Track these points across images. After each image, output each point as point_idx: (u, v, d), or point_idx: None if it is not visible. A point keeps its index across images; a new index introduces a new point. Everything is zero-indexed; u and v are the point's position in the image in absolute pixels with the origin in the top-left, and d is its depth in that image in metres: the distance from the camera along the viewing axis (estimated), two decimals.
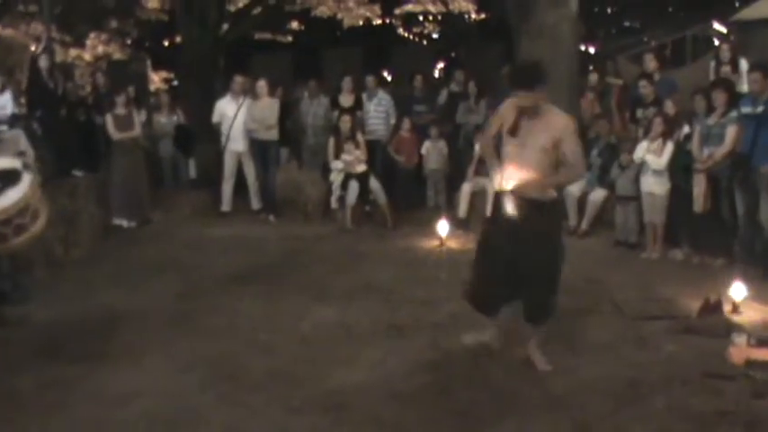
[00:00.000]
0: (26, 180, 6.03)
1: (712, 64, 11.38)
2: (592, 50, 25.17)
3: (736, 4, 18.23)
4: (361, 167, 11.64)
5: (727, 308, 7.23)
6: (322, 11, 23.37)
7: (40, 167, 7.95)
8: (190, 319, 7.38)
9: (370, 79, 13.03)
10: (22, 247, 6.31)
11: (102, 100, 13.31)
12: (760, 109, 8.45)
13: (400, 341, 6.71)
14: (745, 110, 8.67)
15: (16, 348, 6.68)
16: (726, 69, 10.64)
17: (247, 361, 6.32)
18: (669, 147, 9.42)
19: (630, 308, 7.46)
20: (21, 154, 8.06)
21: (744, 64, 10.52)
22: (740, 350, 6.21)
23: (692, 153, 9.20)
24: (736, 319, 7.08)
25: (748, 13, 11.88)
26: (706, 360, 6.13)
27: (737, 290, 7.33)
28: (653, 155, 9.47)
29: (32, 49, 19.19)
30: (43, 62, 12.18)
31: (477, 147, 11.08)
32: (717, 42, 18.28)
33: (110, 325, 7.22)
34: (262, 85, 12.24)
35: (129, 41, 22.57)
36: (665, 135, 9.49)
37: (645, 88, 10.68)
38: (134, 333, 7.01)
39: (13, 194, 5.89)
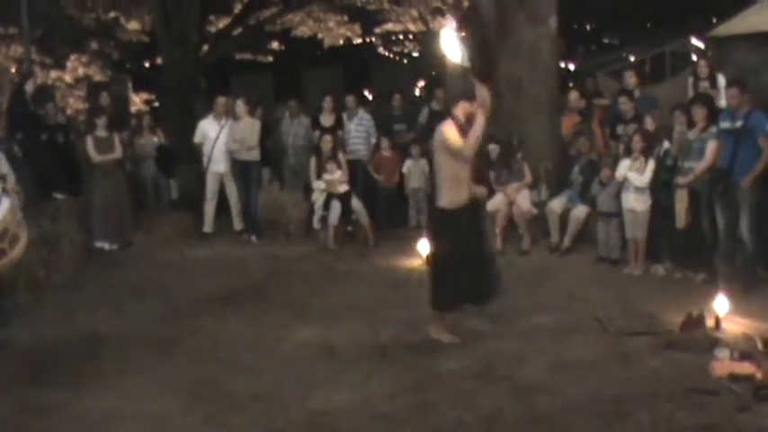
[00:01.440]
0: (5, 204, 6.00)
1: (690, 80, 11.44)
2: (571, 67, 25.29)
3: (713, 20, 18.34)
4: (343, 187, 11.63)
5: (709, 322, 7.24)
6: (302, 30, 23.37)
7: (21, 191, 7.90)
8: (172, 341, 7.35)
9: (350, 99, 13.01)
10: (0, 272, 6.28)
11: (77, 123, 13.25)
12: (739, 124, 8.50)
13: (383, 361, 6.70)
14: (724, 125, 8.72)
15: None
16: (704, 85, 10.70)
17: (230, 382, 6.30)
18: (651, 164, 9.45)
19: (613, 324, 7.47)
20: (1, 177, 8.01)
21: (721, 79, 10.58)
22: (723, 364, 6.22)
23: (671, 169, 9.24)
24: (718, 333, 7.10)
25: (725, 29, 11.94)
26: (689, 375, 6.15)
27: (719, 304, 7.35)
28: (635, 173, 9.51)
29: (12, 71, 19.18)
30: (30, 87, 12.14)
31: None
32: (695, 58, 18.41)
33: (92, 348, 7.20)
34: (239, 104, 12.20)
35: (109, 63, 22.49)
36: (646, 152, 9.53)
37: (625, 104, 10.71)
38: (116, 356, 6.99)
39: None
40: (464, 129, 6.84)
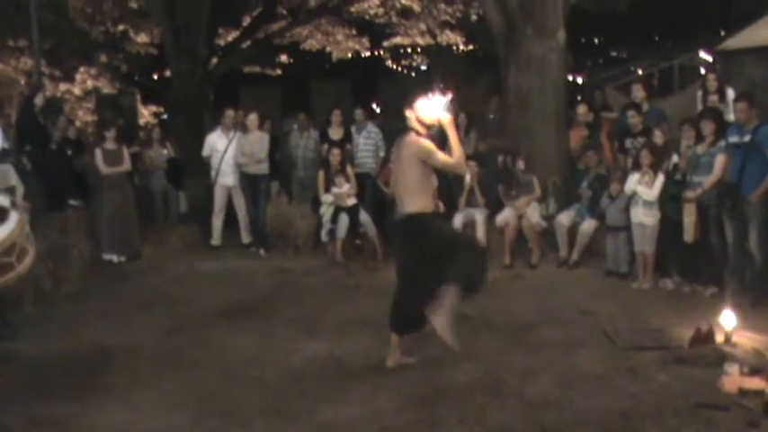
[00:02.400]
0: (13, 218, 5.99)
1: (699, 93, 11.43)
2: (579, 80, 25.31)
3: (722, 33, 18.35)
4: (351, 200, 11.64)
5: (718, 337, 7.20)
6: (311, 44, 23.49)
7: (29, 203, 7.91)
8: (180, 354, 7.34)
9: (359, 112, 13.01)
10: (7, 287, 6.27)
11: (87, 135, 13.29)
12: (747, 138, 8.50)
13: (392, 375, 6.67)
14: (733, 139, 8.72)
15: (5, 385, 6.64)
16: (714, 99, 10.69)
17: (238, 396, 6.28)
18: (660, 178, 9.45)
19: (622, 338, 7.44)
20: (10, 189, 8.02)
21: (730, 93, 10.57)
22: (733, 379, 6.19)
23: (680, 183, 9.24)
24: (727, 348, 7.06)
25: (734, 43, 11.94)
26: (698, 390, 6.12)
27: (728, 319, 7.32)
28: (644, 187, 9.50)
29: (22, 83, 19.28)
30: (39, 100, 12.18)
31: (467, 178, 11.10)
32: (703, 72, 18.40)
33: (99, 361, 7.18)
34: (252, 118, 12.21)
35: (118, 75, 22.59)
36: (654, 166, 9.52)
37: (633, 118, 10.72)
38: (124, 369, 6.97)
39: (0, 233, 5.86)
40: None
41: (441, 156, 6.60)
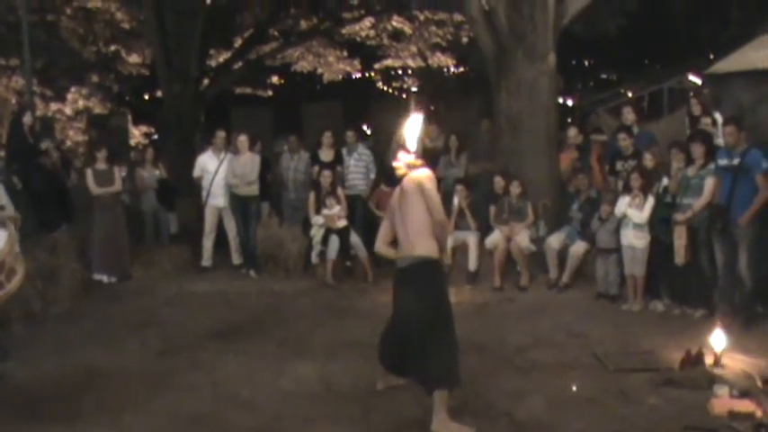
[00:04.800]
0: (2, 237, 6.00)
1: (687, 119, 11.51)
2: (570, 103, 25.40)
3: (711, 57, 18.44)
4: (342, 222, 11.65)
5: (708, 359, 7.23)
6: (302, 65, 23.56)
7: (19, 223, 7.89)
8: (170, 376, 7.33)
9: (350, 134, 13.00)
10: None
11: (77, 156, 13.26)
12: (736, 161, 8.55)
13: (382, 397, 6.67)
14: (722, 162, 8.77)
15: None
16: (707, 121, 10.73)
17: (229, 418, 6.28)
18: (650, 201, 9.49)
19: (612, 361, 7.45)
20: (0, 208, 8.01)
21: (718, 117, 10.62)
22: (722, 402, 6.21)
23: (670, 206, 9.28)
24: (717, 370, 7.09)
25: (723, 66, 11.97)
26: (688, 412, 6.14)
27: (718, 341, 7.34)
28: (634, 209, 9.53)
29: (13, 102, 19.26)
30: (27, 119, 12.18)
31: (455, 200, 11.12)
32: (692, 94, 18.48)
33: (89, 383, 7.17)
34: (243, 140, 12.23)
35: (109, 96, 22.60)
36: (645, 188, 9.56)
37: (624, 141, 10.75)
38: (114, 391, 6.96)
39: None
40: None
41: (438, 199, 6.24)
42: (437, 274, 6.31)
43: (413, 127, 6.47)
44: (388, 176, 7.04)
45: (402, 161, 6.38)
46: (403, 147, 6.44)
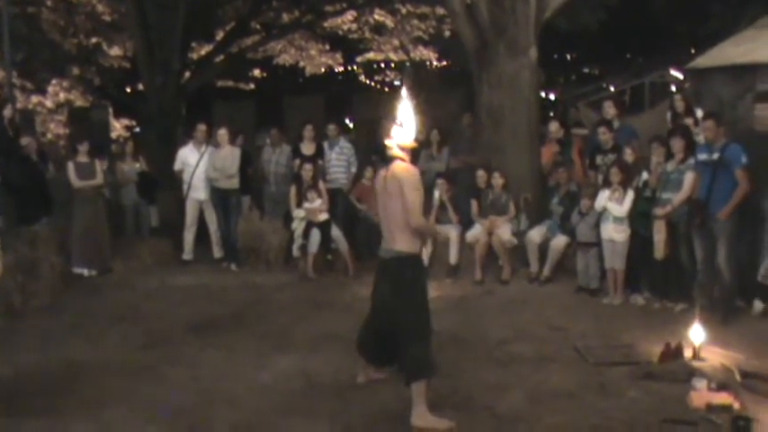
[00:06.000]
0: None
1: (668, 114, 11.54)
2: (552, 97, 25.47)
3: (692, 51, 18.53)
4: (323, 216, 11.64)
5: (687, 353, 7.28)
6: (284, 59, 23.51)
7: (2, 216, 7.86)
8: (151, 369, 7.31)
9: (331, 128, 12.99)
10: None
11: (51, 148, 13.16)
12: (715, 156, 8.59)
13: (363, 391, 6.68)
14: (702, 157, 8.81)
15: None
16: (688, 121, 10.75)
17: (209, 412, 6.27)
18: (630, 195, 9.53)
19: (592, 354, 7.48)
20: None
21: (698, 112, 10.66)
22: (701, 395, 6.25)
23: (650, 200, 9.32)
24: (696, 363, 7.13)
25: (703, 61, 12.04)
26: (667, 405, 6.17)
27: (697, 334, 7.39)
28: (614, 203, 9.57)
29: None
30: (7, 112, 12.10)
31: (436, 194, 11.13)
32: (674, 89, 18.55)
33: (70, 376, 7.14)
34: (222, 133, 12.22)
35: (90, 88, 22.49)
36: (624, 183, 9.59)
37: (604, 135, 10.77)
38: (94, 385, 6.93)
39: None
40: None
41: (418, 201, 6.08)
42: (415, 269, 6.27)
43: (408, 108, 6.43)
44: (380, 154, 6.98)
45: (394, 141, 6.26)
46: (397, 124, 6.36)
